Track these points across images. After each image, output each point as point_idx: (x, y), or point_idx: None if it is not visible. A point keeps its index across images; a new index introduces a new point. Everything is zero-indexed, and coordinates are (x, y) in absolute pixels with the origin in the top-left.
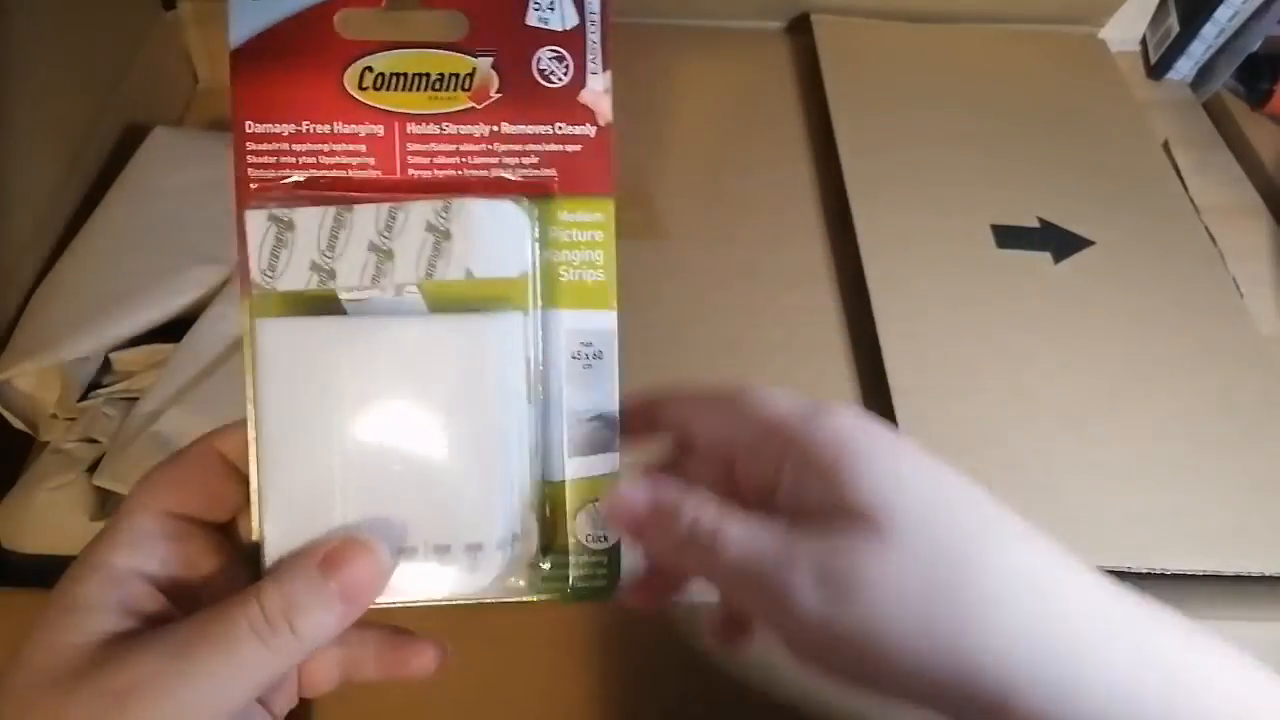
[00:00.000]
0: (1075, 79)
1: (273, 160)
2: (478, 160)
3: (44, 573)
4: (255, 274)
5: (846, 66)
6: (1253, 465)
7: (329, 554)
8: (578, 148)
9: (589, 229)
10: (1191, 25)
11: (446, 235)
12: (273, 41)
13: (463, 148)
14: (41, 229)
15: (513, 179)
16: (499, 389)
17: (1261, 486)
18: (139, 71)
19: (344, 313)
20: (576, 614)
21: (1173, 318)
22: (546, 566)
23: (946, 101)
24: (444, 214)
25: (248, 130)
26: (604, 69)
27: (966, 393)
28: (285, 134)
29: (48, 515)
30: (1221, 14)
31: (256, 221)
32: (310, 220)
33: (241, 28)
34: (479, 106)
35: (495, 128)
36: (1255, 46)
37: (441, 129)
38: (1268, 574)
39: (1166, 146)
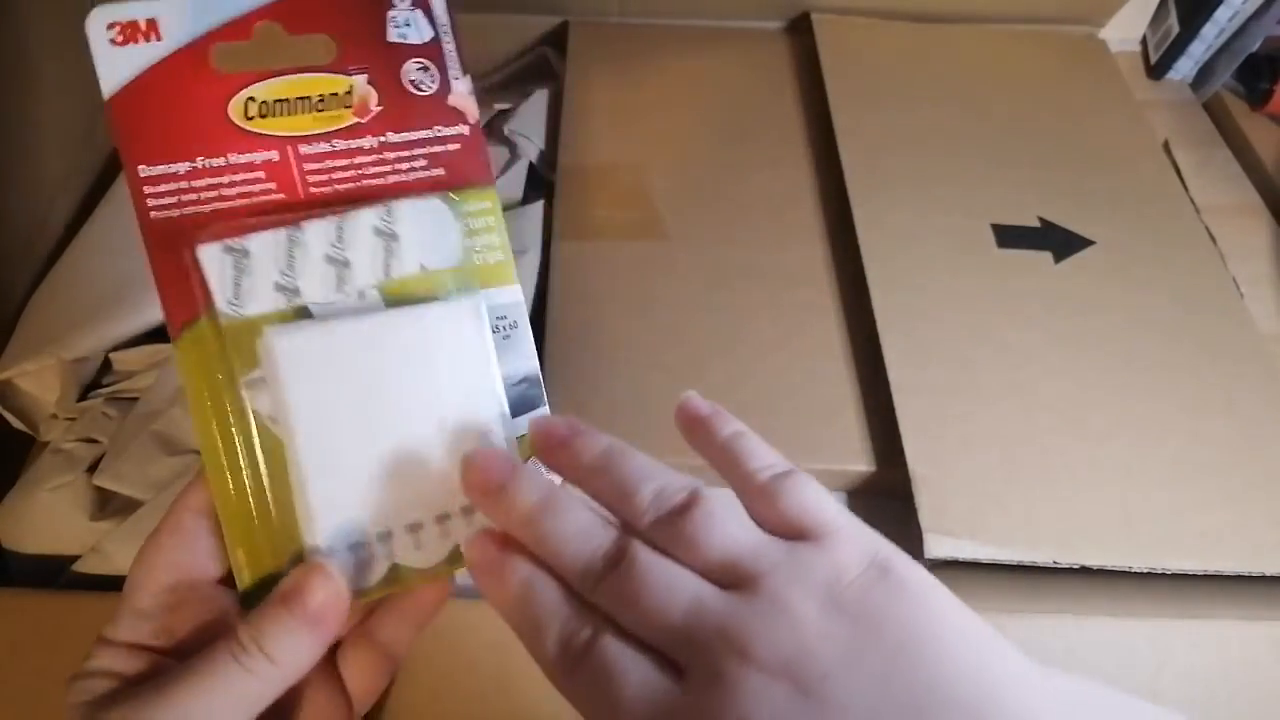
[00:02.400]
0: (1075, 79)
1: (174, 200)
2: (372, 170)
3: (44, 573)
4: (222, 305)
5: (847, 66)
6: (1253, 465)
7: (287, 588)
8: (457, 146)
9: (482, 216)
10: (1191, 25)
11: (394, 237)
12: (149, 86)
13: (356, 160)
14: (41, 229)
15: (411, 181)
16: (487, 360)
17: (1261, 486)
18: None
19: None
20: None
21: (1173, 317)
22: None
23: (947, 101)
24: (387, 217)
25: (142, 174)
26: (464, 74)
27: (966, 392)
28: (182, 172)
29: (48, 515)
30: (1221, 14)
31: (212, 255)
32: (265, 245)
33: (112, 77)
34: (364, 121)
35: (383, 138)
36: (1255, 46)
37: (333, 145)
38: (1268, 574)
39: (1166, 146)
